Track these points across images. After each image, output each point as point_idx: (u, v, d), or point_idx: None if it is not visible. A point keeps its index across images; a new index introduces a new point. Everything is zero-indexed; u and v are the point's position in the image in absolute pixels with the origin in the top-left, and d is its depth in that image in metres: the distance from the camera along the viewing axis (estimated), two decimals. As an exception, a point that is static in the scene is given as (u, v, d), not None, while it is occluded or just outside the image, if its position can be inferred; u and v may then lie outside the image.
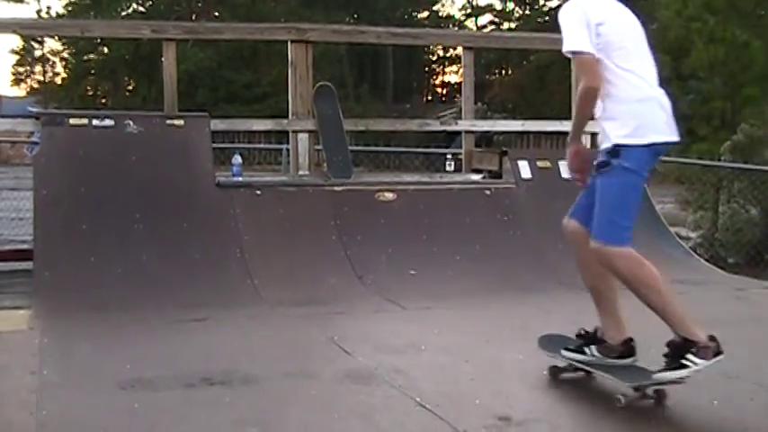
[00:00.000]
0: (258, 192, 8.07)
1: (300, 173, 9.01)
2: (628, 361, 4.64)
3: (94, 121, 7.99)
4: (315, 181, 8.62)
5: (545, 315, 6.64)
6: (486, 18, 50.59)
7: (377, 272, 7.53)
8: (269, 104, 33.70)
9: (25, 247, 8.40)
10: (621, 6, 4.74)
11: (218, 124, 8.84)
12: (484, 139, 12.33)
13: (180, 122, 8.23)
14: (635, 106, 4.47)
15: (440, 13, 52.25)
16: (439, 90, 54.41)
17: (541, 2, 46.69)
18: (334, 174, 8.72)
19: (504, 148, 9.44)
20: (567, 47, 4.54)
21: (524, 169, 8.89)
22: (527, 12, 47.58)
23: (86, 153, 7.74)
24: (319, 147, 9.30)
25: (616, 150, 4.42)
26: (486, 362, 5.33)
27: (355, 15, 45.45)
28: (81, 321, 6.09)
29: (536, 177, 8.88)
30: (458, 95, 31.63)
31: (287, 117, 9.25)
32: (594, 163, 4.59)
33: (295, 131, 9.14)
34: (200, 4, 47.72)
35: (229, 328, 6.12)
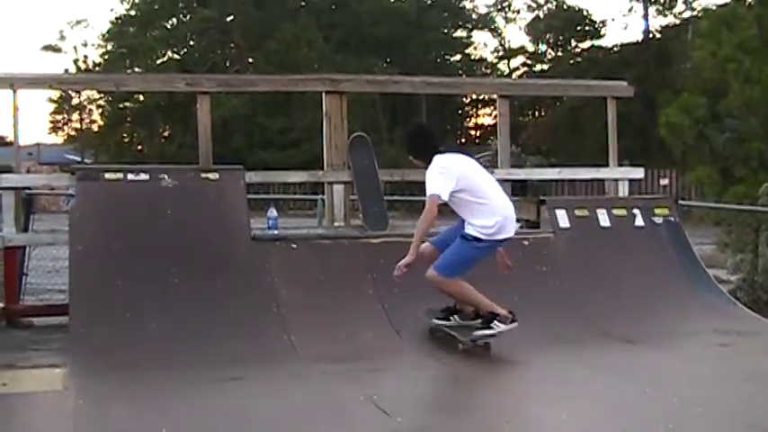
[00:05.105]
0: (294, 245, 8.00)
1: (336, 224, 8.93)
2: (477, 322, 7.04)
3: (129, 176, 8.00)
4: (351, 233, 8.54)
5: (587, 369, 6.51)
6: (518, 60, 50.59)
7: (415, 326, 7.42)
8: (303, 150, 33.73)
9: (61, 299, 8.39)
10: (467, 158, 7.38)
11: (252, 177, 8.79)
12: (519, 184, 12.21)
13: (215, 176, 8.21)
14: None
15: (472, 56, 52.34)
16: (473, 132, 54.33)
17: (573, 43, 46.68)
18: (370, 225, 8.64)
19: (542, 197, 9.31)
20: (428, 190, 6.95)
21: (562, 218, 8.77)
22: (559, 53, 47.52)
23: (121, 208, 7.76)
24: (354, 197, 9.22)
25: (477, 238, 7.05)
26: (527, 422, 5.21)
27: (388, 59, 45.56)
28: (116, 381, 6.02)
29: (574, 226, 8.76)
30: (492, 138, 31.44)
31: (321, 163, 9.19)
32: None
33: (330, 183, 9.07)
34: (234, 51, 48.15)
35: (266, 387, 6.03)
